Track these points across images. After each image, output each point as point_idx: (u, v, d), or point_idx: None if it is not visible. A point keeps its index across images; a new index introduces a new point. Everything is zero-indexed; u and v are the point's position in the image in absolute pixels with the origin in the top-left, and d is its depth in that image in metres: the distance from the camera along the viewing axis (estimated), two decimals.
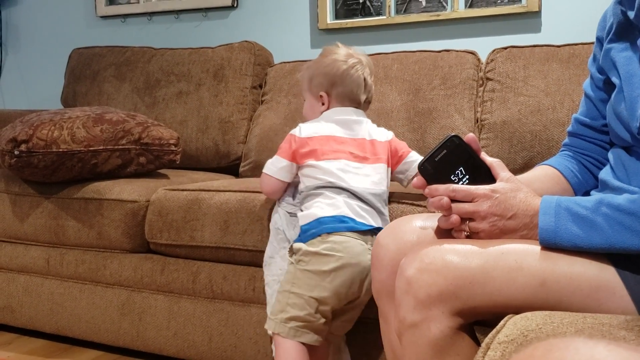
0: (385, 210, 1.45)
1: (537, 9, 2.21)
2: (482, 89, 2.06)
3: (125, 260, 1.84)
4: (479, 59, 2.12)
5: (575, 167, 1.16)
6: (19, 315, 2.02)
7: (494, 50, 2.09)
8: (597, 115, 1.14)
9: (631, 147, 1.00)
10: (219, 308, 1.71)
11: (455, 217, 0.92)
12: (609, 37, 1.06)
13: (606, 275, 0.84)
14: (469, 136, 0.96)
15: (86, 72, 2.69)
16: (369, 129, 1.52)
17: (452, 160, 0.94)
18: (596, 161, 1.16)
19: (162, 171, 2.11)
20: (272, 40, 2.62)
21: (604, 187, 1.04)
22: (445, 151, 0.94)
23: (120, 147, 1.92)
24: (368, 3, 2.45)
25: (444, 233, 0.97)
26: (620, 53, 1.02)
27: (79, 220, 1.87)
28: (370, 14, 2.45)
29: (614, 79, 1.04)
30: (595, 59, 1.14)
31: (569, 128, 1.20)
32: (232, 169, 2.37)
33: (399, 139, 1.59)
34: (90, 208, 1.86)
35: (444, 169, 0.94)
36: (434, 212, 1.06)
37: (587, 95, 1.16)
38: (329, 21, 2.51)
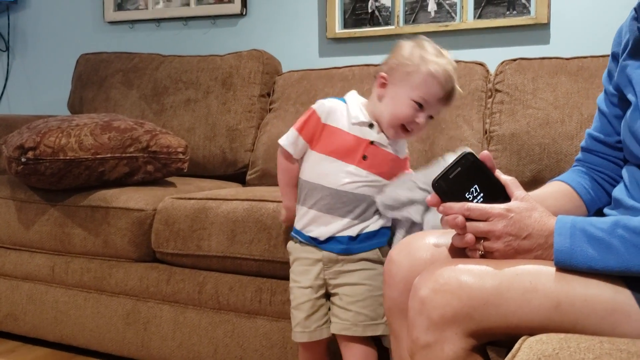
0: None
1: (546, 21, 2.20)
2: (490, 100, 2.05)
3: (131, 269, 1.83)
4: (487, 70, 2.11)
5: (588, 184, 1.15)
6: (22, 323, 2.01)
7: (502, 62, 2.08)
8: (612, 131, 1.13)
9: None
10: (225, 319, 1.70)
11: (470, 237, 0.91)
12: (624, 54, 1.05)
13: (621, 298, 0.82)
14: (484, 153, 0.95)
15: (93, 78, 2.69)
16: None
17: (467, 178, 0.93)
18: (610, 178, 1.15)
19: (169, 179, 2.10)
20: (280, 48, 2.62)
21: (618, 205, 1.03)
22: (459, 169, 0.93)
23: (128, 155, 1.92)
24: (377, 13, 2.45)
25: (458, 251, 0.96)
26: (637, 70, 1.02)
27: (84, 228, 1.86)
28: (378, 24, 2.45)
29: (630, 96, 1.03)
30: (610, 74, 1.13)
31: (582, 143, 1.19)
32: (239, 177, 2.36)
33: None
34: (96, 216, 1.85)
35: (459, 186, 0.93)
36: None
37: (601, 111, 1.15)
38: (337, 30, 2.50)
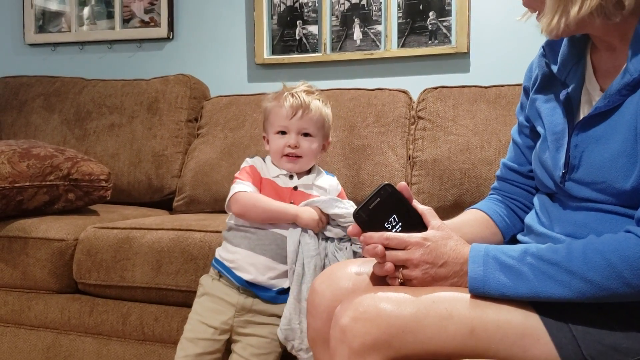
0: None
1: (466, 50, 2.30)
2: (413, 127, 2.11)
3: (51, 301, 1.77)
4: (410, 98, 2.18)
5: (503, 212, 1.20)
6: None
7: (425, 90, 2.15)
8: (524, 161, 1.18)
9: (554, 194, 1.05)
10: (151, 350, 1.66)
11: (389, 265, 0.93)
12: (534, 88, 1.12)
13: (531, 322, 0.86)
14: (401, 184, 0.98)
15: (13, 102, 2.60)
16: None
17: (386, 208, 0.96)
18: (523, 205, 1.20)
19: (92, 207, 2.05)
20: (208, 73, 2.61)
21: (529, 231, 1.08)
22: (378, 199, 0.96)
23: (48, 183, 1.86)
24: (304, 40, 2.48)
25: (379, 279, 0.99)
26: (545, 104, 1.07)
27: (1, 259, 1.79)
28: (306, 51, 2.49)
29: (539, 128, 1.09)
30: (522, 107, 1.19)
31: (498, 172, 1.25)
32: (165, 203, 2.33)
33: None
34: (14, 247, 1.78)
35: (378, 216, 0.96)
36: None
37: (514, 142, 1.21)
38: (265, 56, 2.52)
